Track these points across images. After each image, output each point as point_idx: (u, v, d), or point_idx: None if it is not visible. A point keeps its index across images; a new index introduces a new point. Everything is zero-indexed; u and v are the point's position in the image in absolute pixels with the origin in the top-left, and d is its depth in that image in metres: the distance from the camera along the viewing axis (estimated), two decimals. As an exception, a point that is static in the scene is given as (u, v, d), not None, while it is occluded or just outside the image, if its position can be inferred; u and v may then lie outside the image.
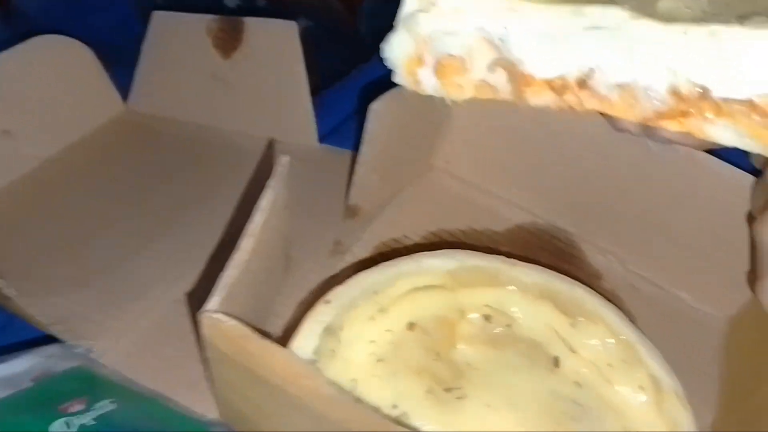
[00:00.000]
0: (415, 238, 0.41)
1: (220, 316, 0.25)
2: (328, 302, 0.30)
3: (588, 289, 0.34)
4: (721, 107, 0.23)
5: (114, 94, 0.55)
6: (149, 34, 0.54)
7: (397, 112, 0.36)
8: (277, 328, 0.35)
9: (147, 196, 0.45)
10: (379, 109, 0.34)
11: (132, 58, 0.55)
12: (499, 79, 0.26)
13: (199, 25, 0.51)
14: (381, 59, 0.51)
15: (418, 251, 0.40)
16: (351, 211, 0.39)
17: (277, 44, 0.48)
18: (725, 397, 0.37)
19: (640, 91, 0.24)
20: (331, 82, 0.54)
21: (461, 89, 0.27)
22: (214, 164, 0.48)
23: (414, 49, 0.28)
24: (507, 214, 0.43)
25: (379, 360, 0.30)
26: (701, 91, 0.23)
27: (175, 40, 0.53)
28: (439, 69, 0.27)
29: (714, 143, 0.24)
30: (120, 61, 0.56)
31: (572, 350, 0.32)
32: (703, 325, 0.40)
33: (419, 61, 0.28)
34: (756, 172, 0.35)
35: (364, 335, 0.31)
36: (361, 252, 0.39)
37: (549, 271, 0.34)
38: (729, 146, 0.24)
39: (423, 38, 0.27)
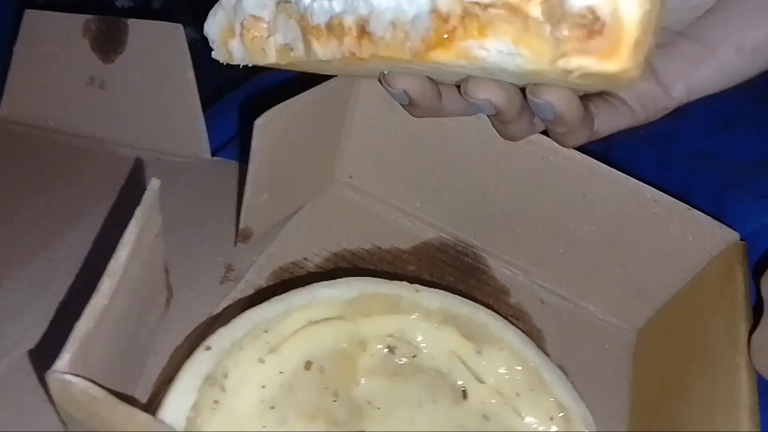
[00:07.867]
0: (316, 260, 0.38)
1: (68, 377, 0.22)
2: (208, 348, 0.27)
3: (491, 312, 0.32)
4: (480, 18, 0.23)
5: (-18, 99, 0.50)
6: (21, 35, 0.49)
7: (284, 126, 0.33)
8: (152, 376, 0.31)
9: (10, 216, 0.40)
10: (264, 124, 0.31)
11: (4, 60, 0.50)
12: (294, 38, 0.28)
13: (76, 24, 0.46)
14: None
15: (319, 276, 0.37)
16: (243, 235, 0.36)
17: (163, 48, 0.44)
18: (635, 411, 0.36)
19: (408, 25, 0.25)
20: (221, 95, 0.51)
21: (264, 54, 0.29)
22: (89, 178, 0.43)
23: (226, 21, 0.30)
24: (412, 229, 0.41)
25: (271, 407, 0.28)
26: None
27: (49, 41, 0.48)
28: (245, 34, 0.29)
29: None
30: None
31: (479, 380, 0.31)
32: (612, 338, 0.39)
33: (231, 32, 0.30)
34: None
35: (252, 380, 0.28)
36: (256, 279, 0.36)
37: (452, 295, 0.32)
38: (502, 69, 0.24)
39: (233, 8, 0.30)
